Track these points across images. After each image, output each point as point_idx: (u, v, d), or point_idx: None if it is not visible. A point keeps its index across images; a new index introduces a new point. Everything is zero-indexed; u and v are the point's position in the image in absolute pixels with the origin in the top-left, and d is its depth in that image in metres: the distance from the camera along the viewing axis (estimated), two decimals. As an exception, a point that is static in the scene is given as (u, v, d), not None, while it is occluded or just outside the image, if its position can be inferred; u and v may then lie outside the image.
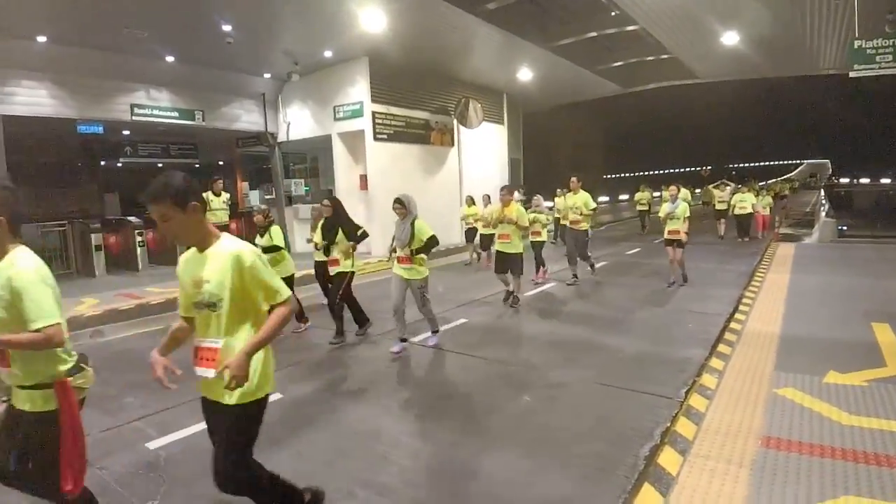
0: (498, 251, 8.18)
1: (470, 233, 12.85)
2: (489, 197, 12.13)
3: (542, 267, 10.19)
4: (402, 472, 3.49)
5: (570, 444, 3.78)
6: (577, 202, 9.73)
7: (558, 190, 16.18)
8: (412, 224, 5.79)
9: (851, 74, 10.78)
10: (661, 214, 9.17)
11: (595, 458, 3.57)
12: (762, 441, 3.57)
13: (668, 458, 3.39)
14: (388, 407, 4.59)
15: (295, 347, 6.39)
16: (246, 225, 14.18)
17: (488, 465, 3.54)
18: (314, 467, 3.56)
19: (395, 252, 5.99)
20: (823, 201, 22.63)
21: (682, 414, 4.05)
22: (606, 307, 8.07)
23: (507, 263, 8.07)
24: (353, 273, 6.57)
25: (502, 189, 8.25)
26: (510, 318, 7.61)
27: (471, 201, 12.85)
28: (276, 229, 7.02)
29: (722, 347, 5.64)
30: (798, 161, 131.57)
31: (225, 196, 11.11)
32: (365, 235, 6.66)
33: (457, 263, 13.11)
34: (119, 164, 18.49)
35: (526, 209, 9.09)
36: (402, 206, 5.85)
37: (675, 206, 8.88)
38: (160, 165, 20.11)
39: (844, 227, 16.11)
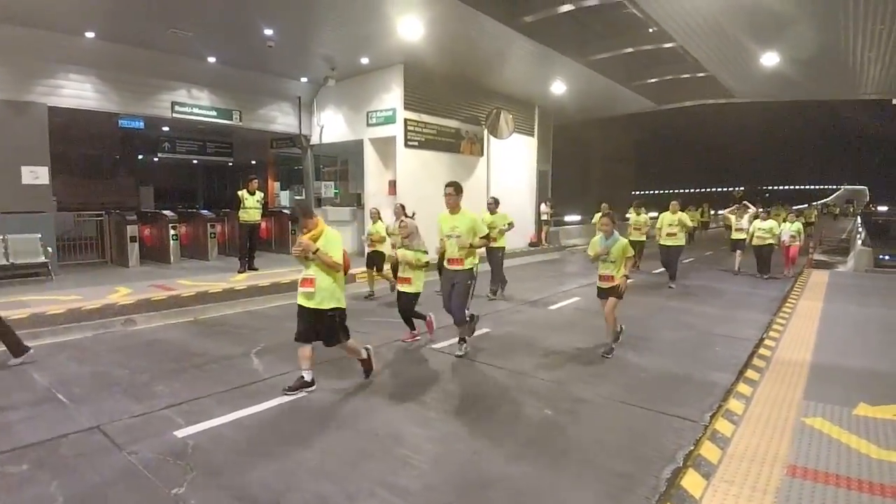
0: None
1: (371, 258, 9.48)
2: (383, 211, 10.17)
3: (425, 318, 6.84)
4: (422, 477, 3.51)
5: (590, 460, 3.77)
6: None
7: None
8: None
9: (895, 102, 10.56)
10: (590, 252, 6.54)
11: (616, 476, 3.54)
12: (788, 469, 3.51)
13: (691, 481, 3.36)
14: (412, 411, 4.62)
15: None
16: (276, 224, 14.42)
17: (509, 475, 3.54)
18: (338, 466, 3.62)
19: None
20: (860, 229, 22.02)
21: (707, 438, 3.99)
22: (631, 325, 7.88)
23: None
24: None
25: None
26: (533, 331, 7.56)
27: (377, 215, 9.62)
28: None
29: (750, 373, 5.54)
30: (835, 186, 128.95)
31: (259, 195, 11.31)
32: None
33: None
34: (156, 159, 19.02)
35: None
36: None
37: (610, 242, 6.35)
38: (195, 162, 20.69)
39: (886, 257, 15.55)
